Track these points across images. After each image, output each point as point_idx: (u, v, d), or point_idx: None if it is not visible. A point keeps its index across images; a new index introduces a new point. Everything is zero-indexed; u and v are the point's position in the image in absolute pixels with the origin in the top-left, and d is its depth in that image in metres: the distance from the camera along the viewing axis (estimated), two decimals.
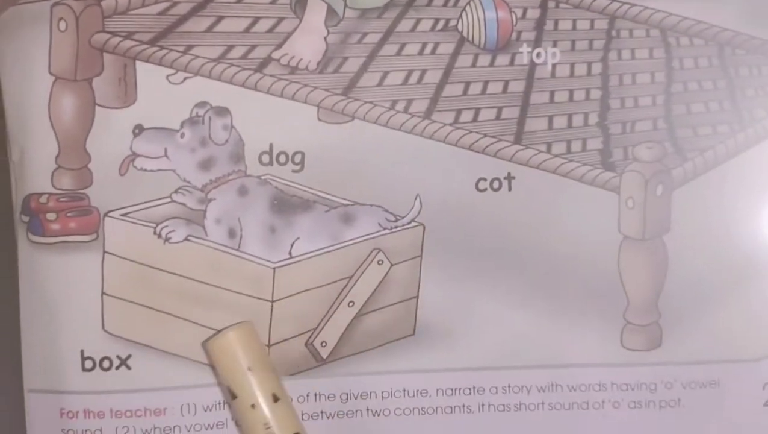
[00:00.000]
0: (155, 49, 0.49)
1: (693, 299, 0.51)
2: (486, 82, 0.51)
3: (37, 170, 0.48)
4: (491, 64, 0.51)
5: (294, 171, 0.49)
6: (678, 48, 0.52)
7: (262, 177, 0.49)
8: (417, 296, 0.50)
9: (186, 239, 0.49)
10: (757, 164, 0.51)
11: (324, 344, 0.49)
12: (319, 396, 0.50)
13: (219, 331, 0.48)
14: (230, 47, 0.50)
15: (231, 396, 0.48)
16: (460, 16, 0.51)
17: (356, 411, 0.50)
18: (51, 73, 0.48)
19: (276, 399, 0.47)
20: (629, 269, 0.50)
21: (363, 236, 0.49)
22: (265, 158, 0.49)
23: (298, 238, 0.49)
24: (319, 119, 0.49)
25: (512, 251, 0.50)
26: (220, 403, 0.49)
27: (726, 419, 0.51)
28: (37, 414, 0.49)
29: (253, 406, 0.47)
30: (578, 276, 0.50)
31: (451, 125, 0.50)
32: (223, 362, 0.48)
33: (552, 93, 0.51)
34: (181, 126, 0.49)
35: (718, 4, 0.51)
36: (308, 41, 0.50)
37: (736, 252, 0.50)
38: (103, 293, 0.49)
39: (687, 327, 0.50)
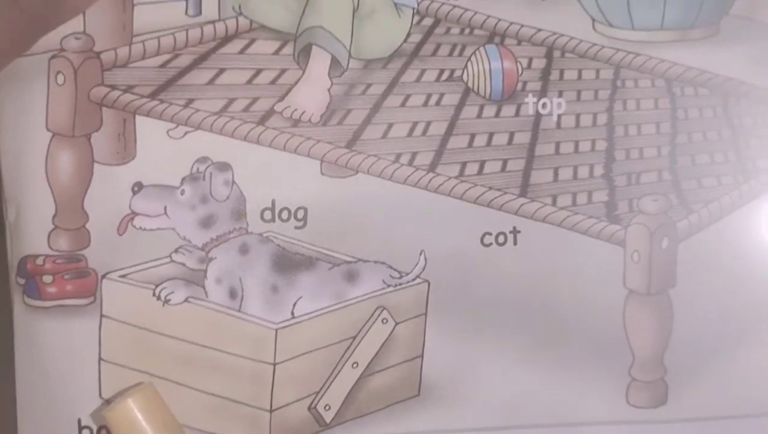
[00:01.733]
0: (155, 102, 0.50)
1: (698, 354, 0.53)
2: (491, 134, 0.53)
3: (34, 231, 0.49)
4: (497, 114, 0.53)
5: (297, 228, 0.51)
6: (683, 98, 0.55)
7: (264, 234, 0.51)
8: (422, 356, 0.52)
9: (186, 300, 0.50)
10: (761, 214, 0.54)
11: (328, 407, 0.51)
12: None
13: (117, 395, 0.49)
14: (232, 100, 0.51)
15: None
16: (466, 66, 0.53)
17: None
18: (48, 129, 0.49)
19: None
20: (635, 324, 0.53)
21: (367, 294, 0.51)
22: (267, 215, 0.51)
23: (300, 297, 0.51)
24: (323, 173, 0.51)
25: (517, 306, 0.52)
26: None
27: None
28: None
29: None
30: (584, 332, 0.53)
31: (456, 177, 0.52)
32: (125, 432, 0.48)
33: (557, 144, 0.53)
34: (182, 183, 0.50)
35: (723, 51, 0.55)
36: (311, 93, 0.52)
37: (742, 305, 0.53)
38: (100, 359, 0.50)
39: (692, 383, 0.53)
